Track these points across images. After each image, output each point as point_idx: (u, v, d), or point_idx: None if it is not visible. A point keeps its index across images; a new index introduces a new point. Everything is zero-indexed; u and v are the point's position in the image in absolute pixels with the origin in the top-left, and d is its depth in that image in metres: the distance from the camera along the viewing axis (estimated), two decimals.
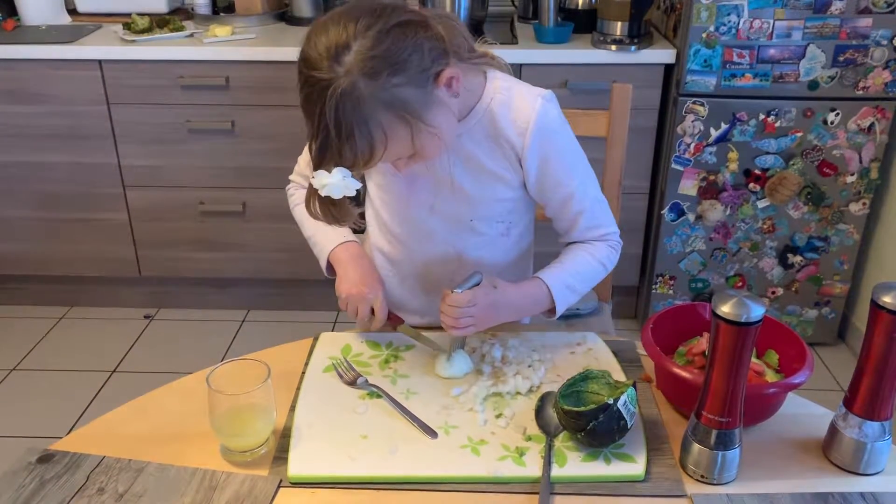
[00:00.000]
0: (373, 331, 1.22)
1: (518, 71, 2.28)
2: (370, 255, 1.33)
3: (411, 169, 1.12)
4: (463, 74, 1.07)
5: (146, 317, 2.75)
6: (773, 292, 2.48)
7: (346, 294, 1.22)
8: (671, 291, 2.51)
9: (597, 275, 1.25)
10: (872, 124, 2.24)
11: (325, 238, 1.29)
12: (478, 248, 1.27)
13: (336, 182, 0.99)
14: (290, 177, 1.39)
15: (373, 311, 1.21)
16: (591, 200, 1.23)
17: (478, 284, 1.13)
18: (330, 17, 0.99)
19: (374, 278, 1.24)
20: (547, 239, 1.36)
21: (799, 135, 2.25)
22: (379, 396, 1.09)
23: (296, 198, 1.37)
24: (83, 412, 2.25)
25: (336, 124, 0.95)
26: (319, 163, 1.00)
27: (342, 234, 1.29)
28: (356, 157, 0.99)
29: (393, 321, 1.22)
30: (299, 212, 1.33)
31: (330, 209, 1.07)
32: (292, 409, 1.06)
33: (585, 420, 0.95)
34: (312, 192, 1.05)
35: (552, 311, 1.21)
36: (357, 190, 1.02)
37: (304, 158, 1.35)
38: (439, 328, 1.16)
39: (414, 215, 1.25)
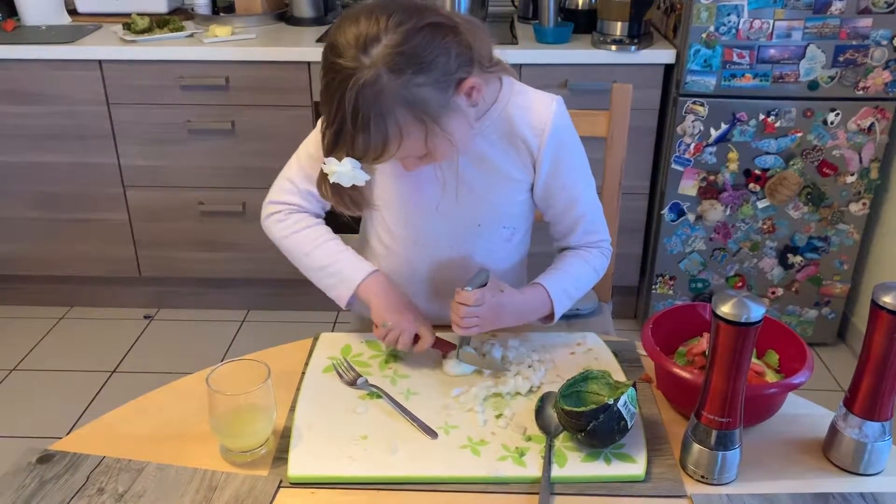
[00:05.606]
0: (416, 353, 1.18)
1: (518, 71, 2.28)
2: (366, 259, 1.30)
3: (419, 170, 1.12)
4: (484, 84, 1.07)
5: (146, 317, 2.75)
6: (773, 292, 2.48)
7: (394, 321, 1.16)
8: (671, 291, 2.51)
9: (590, 282, 1.28)
10: (872, 124, 2.24)
11: (349, 268, 1.22)
12: (481, 253, 1.27)
13: (346, 171, 1.00)
14: (272, 197, 1.27)
15: (416, 338, 1.16)
16: (592, 206, 1.26)
17: (484, 284, 1.13)
18: (362, 9, 0.99)
19: (414, 305, 1.20)
20: (542, 239, 1.36)
21: (799, 135, 2.25)
22: (379, 397, 1.09)
23: (289, 223, 1.25)
24: (83, 412, 2.25)
25: (353, 114, 0.96)
26: (332, 150, 1.01)
27: (366, 264, 1.23)
28: (368, 149, 0.99)
29: (442, 348, 1.17)
30: (301, 239, 1.24)
31: (342, 195, 1.08)
32: (292, 409, 1.06)
33: (585, 420, 0.95)
34: (324, 177, 1.05)
35: (549, 316, 1.22)
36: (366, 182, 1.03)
37: (298, 173, 1.25)
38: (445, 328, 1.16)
39: (417, 217, 1.24)
